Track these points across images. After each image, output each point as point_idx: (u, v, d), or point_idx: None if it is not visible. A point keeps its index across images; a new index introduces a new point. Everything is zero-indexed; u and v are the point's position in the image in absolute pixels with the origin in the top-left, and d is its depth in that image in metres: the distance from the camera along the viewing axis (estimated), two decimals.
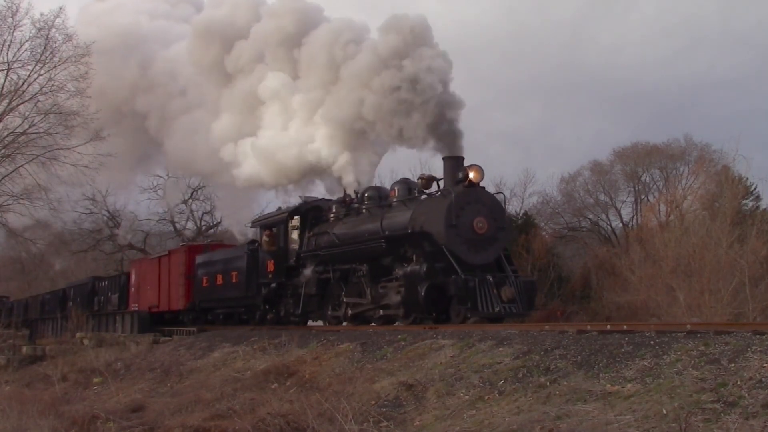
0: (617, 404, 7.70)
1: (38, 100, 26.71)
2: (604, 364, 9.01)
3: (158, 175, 42.62)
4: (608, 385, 8.31)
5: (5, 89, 26.81)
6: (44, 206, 28.99)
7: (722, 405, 6.85)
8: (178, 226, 44.99)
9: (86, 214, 41.54)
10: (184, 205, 44.58)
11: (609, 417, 7.30)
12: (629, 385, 8.10)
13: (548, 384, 9.03)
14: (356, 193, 18.91)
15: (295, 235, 19.94)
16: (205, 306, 25.11)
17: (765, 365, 7.39)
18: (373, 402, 10.47)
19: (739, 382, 7.17)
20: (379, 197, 18.12)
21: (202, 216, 45.27)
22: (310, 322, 20.43)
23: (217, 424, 10.72)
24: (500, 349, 10.94)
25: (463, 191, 15.44)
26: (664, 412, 7.05)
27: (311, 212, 19.93)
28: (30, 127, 26.94)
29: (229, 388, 13.67)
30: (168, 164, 35.48)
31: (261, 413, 10.53)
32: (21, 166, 27.31)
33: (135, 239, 44.68)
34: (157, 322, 27.83)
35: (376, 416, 9.74)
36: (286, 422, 9.95)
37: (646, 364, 8.52)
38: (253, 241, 23.08)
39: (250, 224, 24.13)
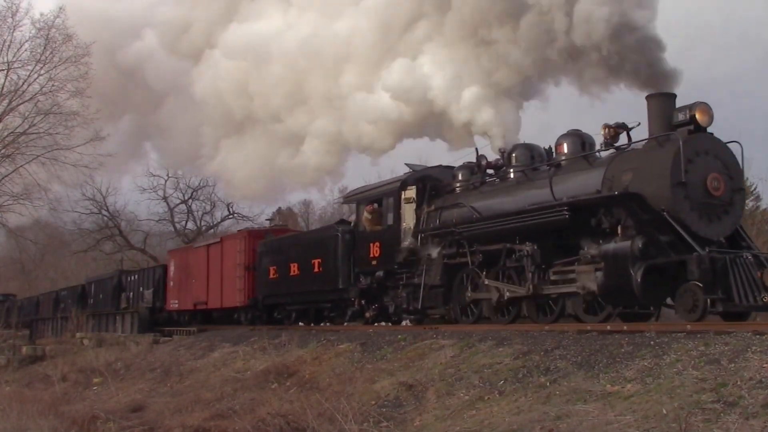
0: (617, 404, 7.70)
1: (38, 100, 26.78)
2: (604, 364, 9.02)
3: (158, 175, 42.69)
4: (608, 386, 8.32)
5: (5, 89, 26.88)
6: (44, 206, 29.08)
7: (722, 405, 6.85)
8: (178, 226, 45.02)
9: (86, 214, 41.57)
10: (184, 205, 44.63)
11: (609, 417, 7.31)
12: (629, 386, 8.11)
13: (548, 384, 9.03)
14: (502, 152, 14.99)
15: (409, 210, 16.06)
16: (272, 302, 21.40)
17: (765, 365, 7.39)
18: (373, 402, 10.49)
19: (739, 382, 7.17)
20: (531, 157, 14.45)
21: (202, 216, 45.30)
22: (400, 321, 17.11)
23: (217, 424, 10.75)
24: (500, 349, 10.94)
25: (692, 137, 11.48)
26: (664, 412, 7.05)
27: (428, 182, 16.15)
28: (30, 127, 26.99)
29: (229, 388, 13.69)
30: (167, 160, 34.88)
31: (261, 413, 10.55)
32: (21, 166, 27.37)
33: (135, 239, 44.69)
34: (205, 321, 25.23)
35: (376, 416, 9.75)
36: (286, 422, 9.96)
37: (646, 364, 8.52)
38: (341, 221, 19.90)
39: (342, 200, 20.71)
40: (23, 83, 26.83)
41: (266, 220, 29.28)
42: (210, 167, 23.97)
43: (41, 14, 26.63)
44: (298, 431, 9.81)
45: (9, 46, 26.55)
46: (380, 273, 16.60)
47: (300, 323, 20.58)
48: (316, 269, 18.71)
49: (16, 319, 38.83)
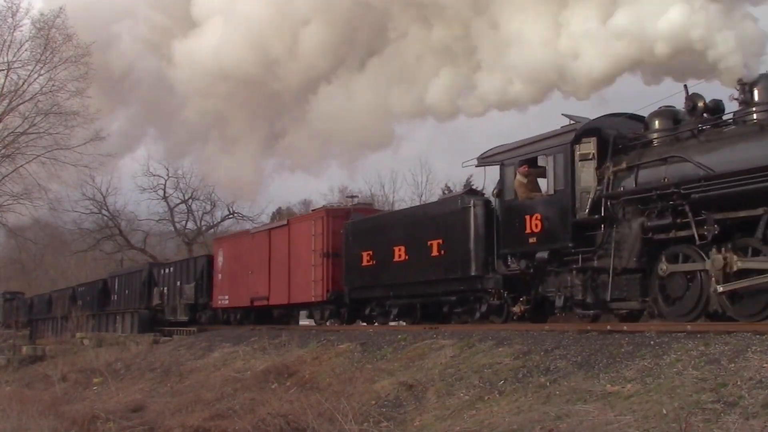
0: (617, 404, 7.71)
1: (38, 100, 26.83)
2: (604, 364, 9.03)
3: (158, 175, 42.78)
4: (608, 386, 8.32)
5: (5, 89, 26.93)
6: (44, 206, 29.13)
7: (722, 405, 6.86)
8: (178, 226, 45.07)
9: (86, 214, 41.65)
10: (184, 204, 44.68)
11: (609, 417, 7.31)
12: (629, 386, 8.11)
13: (548, 384, 9.04)
14: (742, 85, 10.93)
15: (587, 170, 12.40)
16: (365, 296, 17.63)
17: (765, 365, 7.40)
18: (373, 402, 10.49)
19: (739, 382, 7.18)
20: None
21: (202, 216, 45.33)
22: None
23: (217, 424, 10.76)
24: (500, 349, 10.95)
25: None
26: (664, 412, 7.06)
27: (607, 134, 12.58)
28: (30, 127, 27.06)
29: (229, 388, 13.69)
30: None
31: (261, 413, 10.56)
32: (21, 166, 27.44)
33: (135, 239, 44.74)
34: (262, 320, 21.84)
35: (376, 416, 9.76)
36: (286, 422, 9.97)
37: (646, 364, 8.53)
38: (471, 191, 16.47)
39: (477, 162, 15.02)
40: (23, 83, 26.91)
41: (348, 197, 22.89)
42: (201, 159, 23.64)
43: (41, 14, 26.58)
44: (298, 431, 9.82)
45: (9, 46, 26.64)
46: (543, 254, 12.78)
47: (400, 322, 17.10)
48: (434, 252, 14.92)
49: (26, 318, 38.31)
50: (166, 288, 26.44)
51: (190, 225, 45.22)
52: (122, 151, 30.71)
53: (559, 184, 12.70)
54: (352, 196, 22.25)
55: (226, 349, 18.30)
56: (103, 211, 42.42)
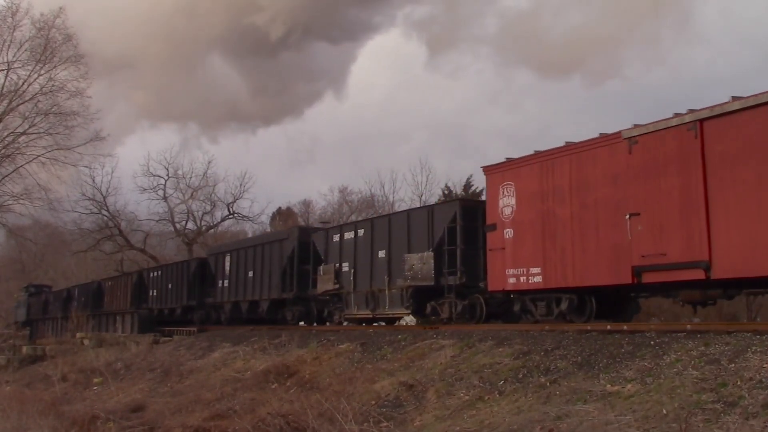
0: (617, 404, 7.71)
1: (38, 101, 26.92)
2: (604, 364, 9.03)
3: (158, 176, 42.73)
4: (608, 386, 8.32)
5: (5, 89, 27.00)
6: (44, 206, 29.21)
7: (722, 405, 6.86)
8: (178, 226, 44.98)
9: (86, 214, 41.59)
10: (184, 204, 44.59)
11: (609, 417, 7.31)
12: (629, 386, 8.11)
13: (548, 384, 9.04)
14: None
15: None
16: None
17: (765, 365, 7.40)
18: (374, 402, 10.49)
19: (739, 382, 7.18)
20: None
21: (202, 216, 45.24)
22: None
23: (217, 424, 10.76)
24: (500, 349, 10.95)
25: None
26: (664, 412, 7.06)
27: None
28: (30, 127, 27.15)
29: (229, 388, 13.69)
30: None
31: (261, 413, 10.56)
32: (21, 166, 27.51)
33: (134, 239, 44.65)
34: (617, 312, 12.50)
35: (376, 416, 9.75)
36: (286, 422, 9.97)
37: (646, 364, 8.53)
38: None
39: None
40: (23, 83, 26.99)
41: None
42: None
43: (41, 14, 26.63)
44: (298, 431, 9.82)
45: (9, 46, 26.71)
46: None
47: None
48: None
49: (61, 314, 35.62)
50: (347, 264, 17.30)
51: (190, 225, 45.15)
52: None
53: None
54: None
55: (226, 349, 18.30)
56: (103, 212, 42.36)
